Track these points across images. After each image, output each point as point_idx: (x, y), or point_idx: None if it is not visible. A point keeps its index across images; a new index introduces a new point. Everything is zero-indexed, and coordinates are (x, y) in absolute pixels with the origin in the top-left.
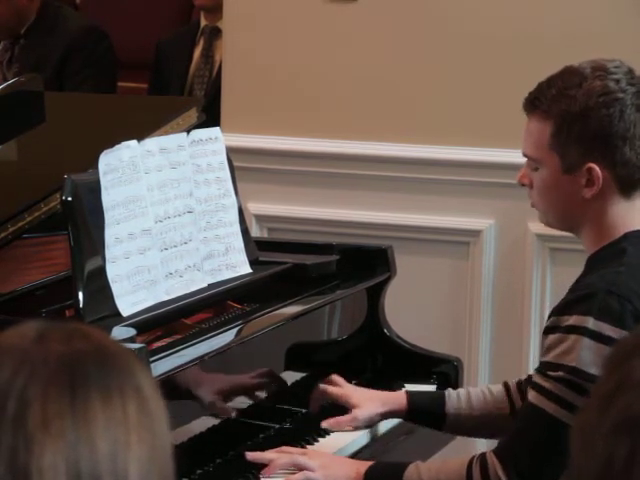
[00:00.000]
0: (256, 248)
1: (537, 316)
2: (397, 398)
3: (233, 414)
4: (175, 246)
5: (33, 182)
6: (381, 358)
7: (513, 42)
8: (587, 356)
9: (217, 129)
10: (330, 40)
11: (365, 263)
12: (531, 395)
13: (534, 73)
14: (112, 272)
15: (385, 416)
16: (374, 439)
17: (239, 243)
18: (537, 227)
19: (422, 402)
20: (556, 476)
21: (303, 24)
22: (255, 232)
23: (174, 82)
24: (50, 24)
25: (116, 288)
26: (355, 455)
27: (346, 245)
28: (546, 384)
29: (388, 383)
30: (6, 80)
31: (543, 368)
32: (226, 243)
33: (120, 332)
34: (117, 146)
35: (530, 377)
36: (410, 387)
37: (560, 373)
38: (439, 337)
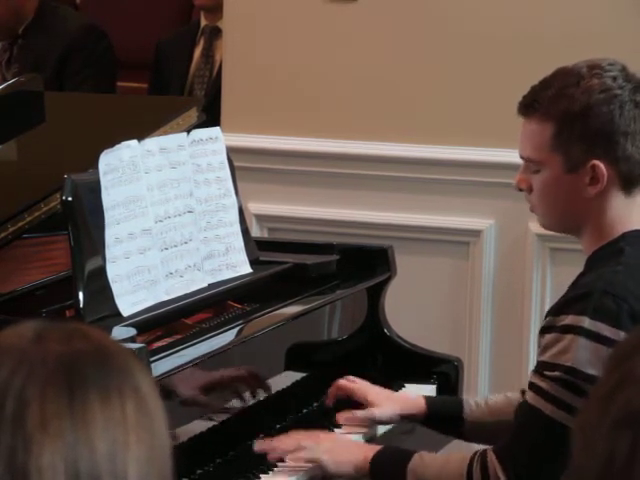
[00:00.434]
0: (256, 248)
1: (537, 316)
2: (415, 401)
3: (233, 414)
4: (175, 246)
5: (33, 182)
6: (381, 358)
7: (513, 42)
8: (583, 356)
9: (217, 129)
10: (330, 40)
11: (365, 263)
12: (528, 395)
13: (534, 73)
14: (112, 272)
15: (404, 418)
16: (373, 439)
17: (239, 243)
18: (537, 227)
19: (440, 407)
20: (555, 477)
21: (303, 24)
22: (255, 232)
23: (174, 82)
24: (48, 23)
25: (116, 288)
26: None
27: (347, 245)
28: (543, 384)
29: (388, 383)
30: (5, 80)
31: (540, 368)
32: (226, 243)
33: (120, 332)
34: (117, 146)
35: None
36: (410, 387)
37: (556, 373)
38: (439, 337)
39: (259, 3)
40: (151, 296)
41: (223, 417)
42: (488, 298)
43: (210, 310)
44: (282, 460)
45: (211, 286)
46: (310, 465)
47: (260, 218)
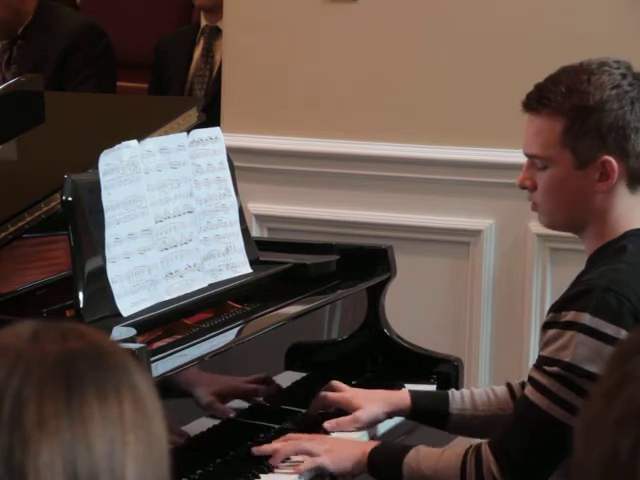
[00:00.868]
0: (256, 248)
1: (537, 316)
2: (400, 397)
3: (233, 414)
4: (175, 246)
5: (33, 182)
6: (381, 358)
7: (513, 42)
8: (583, 352)
9: (217, 129)
10: (330, 40)
11: (365, 263)
12: (527, 390)
13: (534, 73)
14: (112, 272)
15: (389, 415)
16: (374, 439)
17: (239, 243)
18: (537, 227)
19: (426, 401)
20: (549, 471)
21: (303, 24)
22: (255, 232)
23: (174, 82)
24: (48, 23)
25: (116, 288)
26: None
27: (346, 245)
28: (542, 379)
29: (388, 383)
30: (5, 81)
31: (540, 363)
32: (226, 243)
33: (120, 332)
34: (117, 146)
35: None
36: (410, 387)
37: (555, 369)
38: (439, 337)
39: (259, 3)
40: (151, 296)
41: (223, 417)
42: (488, 298)
43: (210, 310)
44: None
45: (211, 286)
46: (311, 466)
47: (260, 218)
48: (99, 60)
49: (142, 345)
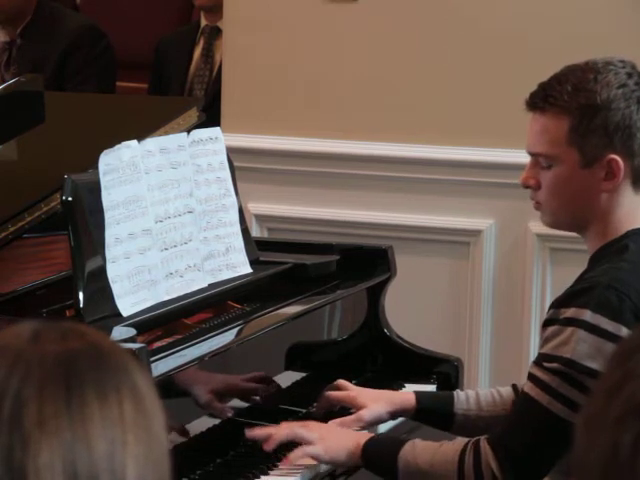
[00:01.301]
0: (256, 248)
1: (537, 316)
2: (405, 397)
3: (233, 414)
4: (175, 246)
5: (33, 182)
6: (381, 358)
7: (514, 42)
8: (583, 349)
9: (217, 129)
10: (330, 40)
11: (365, 263)
12: (527, 386)
13: (535, 73)
14: (112, 272)
15: (393, 415)
16: None
17: (239, 243)
18: (537, 227)
19: (430, 402)
20: (548, 468)
21: (303, 24)
22: (255, 232)
23: (174, 82)
24: (47, 24)
25: (116, 288)
26: None
27: (346, 245)
28: (542, 375)
29: (388, 383)
30: (5, 81)
31: (540, 359)
32: (226, 243)
33: (120, 332)
34: (117, 146)
35: None
36: (410, 387)
37: (555, 365)
38: (439, 337)
39: (259, 3)
40: (151, 296)
41: (223, 417)
42: (488, 298)
43: (210, 310)
44: (278, 455)
45: (211, 286)
46: (306, 461)
47: (260, 218)
48: (99, 60)
49: (142, 345)
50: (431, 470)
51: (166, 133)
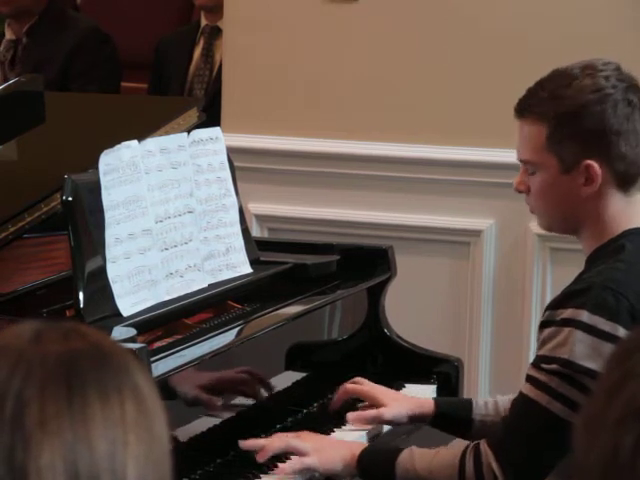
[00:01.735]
0: (256, 248)
1: (537, 316)
2: (424, 403)
3: (233, 414)
4: (175, 246)
5: (33, 182)
6: (381, 358)
7: (514, 42)
8: (581, 349)
9: (217, 129)
10: (330, 40)
11: (365, 263)
12: (525, 387)
13: (535, 73)
14: (112, 272)
15: (412, 420)
16: (374, 439)
17: (239, 243)
18: (537, 227)
19: (449, 408)
20: (549, 468)
21: (303, 24)
22: (255, 232)
23: (174, 82)
24: (54, 24)
25: (116, 288)
26: None
27: (346, 245)
28: (540, 377)
29: (388, 383)
30: (8, 80)
31: (538, 361)
32: (226, 243)
33: (120, 332)
34: (117, 146)
35: None
36: (410, 387)
37: (554, 366)
38: (439, 337)
39: (259, 3)
40: (151, 296)
41: (223, 417)
42: (488, 298)
43: (210, 310)
44: (278, 455)
45: (211, 286)
46: (298, 467)
47: (260, 218)
48: (104, 63)
49: (142, 345)
50: (430, 476)
51: (166, 133)
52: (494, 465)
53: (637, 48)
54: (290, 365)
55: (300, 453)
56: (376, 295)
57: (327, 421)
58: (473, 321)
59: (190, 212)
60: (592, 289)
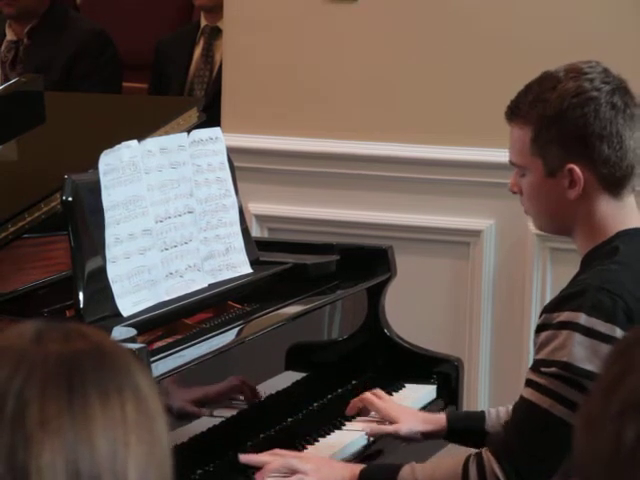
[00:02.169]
0: (256, 248)
1: (537, 316)
2: (438, 419)
3: (233, 414)
4: (175, 246)
5: (33, 182)
6: (381, 358)
7: (513, 42)
8: (579, 352)
9: (217, 129)
10: (330, 40)
11: (365, 263)
12: (526, 392)
13: (534, 74)
14: (112, 272)
15: (426, 436)
16: (373, 441)
17: (239, 243)
18: None
19: (462, 422)
20: (552, 471)
21: (303, 24)
22: (255, 232)
23: (174, 82)
24: (56, 26)
25: (116, 288)
26: (354, 456)
27: (346, 245)
28: (540, 380)
29: (388, 383)
30: (9, 80)
31: (536, 365)
32: (226, 243)
33: (120, 332)
34: (117, 146)
35: None
36: (410, 387)
37: (553, 369)
38: (439, 337)
39: (259, 3)
40: (151, 296)
41: (223, 417)
42: (488, 298)
43: (210, 310)
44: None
45: (211, 286)
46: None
47: (260, 218)
48: (107, 66)
49: (142, 345)
50: None
51: (166, 133)
52: (497, 471)
53: (637, 48)
54: (290, 365)
55: (299, 473)
56: (376, 295)
57: (327, 421)
58: (473, 321)
59: (190, 212)
60: (588, 291)
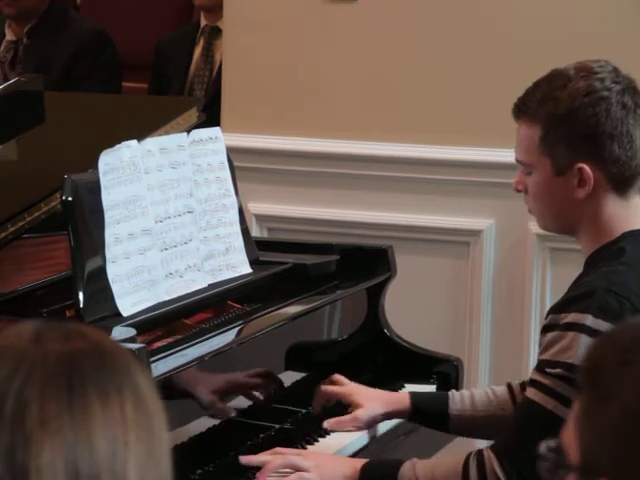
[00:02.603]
0: (256, 248)
1: (537, 316)
2: (400, 398)
3: (233, 414)
4: (175, 246)
5: (33, 182)
6: (381, 358)
7: (513, 42)
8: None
9: (217, 129)
10: (330, 40)
11: (365, 263)
12: (530, 392)
13: (535, 74)
14: (112, 272)
15: (388, 416)
16: (374, 439)
17: (239, 243)
18: (537, 227)
19: (425, 403)
20: None
21: (303, 24)
22: (255, 232)
23: (174, 82)
24: (56, 26)
25: (116, 288)
26: (355, 455)
27: (346, 245)
28: (545, 381)
29: (388, 383)
30: (8, 80)
31: (541, 365)
32: (226, 243)
33: (120, 332)
34: (117, 146)
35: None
36: (410, 387)
37: (558, 370)
38: (439, 337)
39: (259, 3)
40: (151, 296)
41: (223, 417)
42: (488, 298)
43: (210, 310)
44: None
45: (211, 286)
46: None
47: (260, 218)
48: (107, 66)
49: (142, 345)
50: None
51: (166, 133)
52: (498, 470)
53: (638, 48)
54: (290, 365)
55: (301, 470)
56: (376, 295)
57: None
58: (473, 321)
59: (190, 212)
60: (595, 293)
